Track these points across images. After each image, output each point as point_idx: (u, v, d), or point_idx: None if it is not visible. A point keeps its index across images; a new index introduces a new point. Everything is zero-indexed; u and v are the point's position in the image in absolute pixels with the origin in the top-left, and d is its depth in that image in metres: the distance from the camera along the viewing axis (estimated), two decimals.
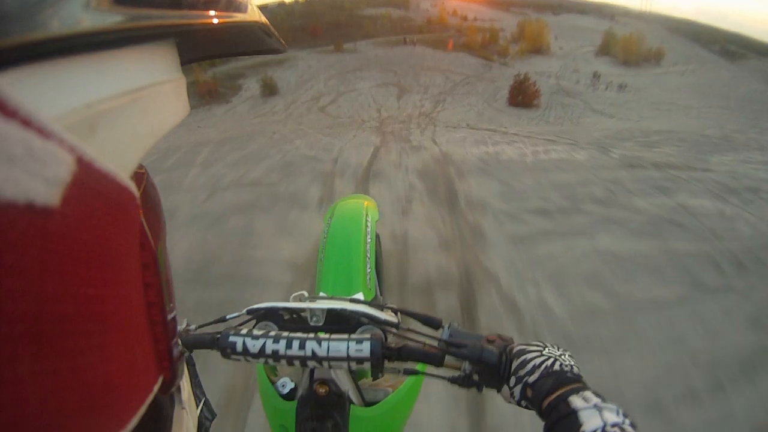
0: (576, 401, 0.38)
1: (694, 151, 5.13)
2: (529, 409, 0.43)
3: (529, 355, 0.46)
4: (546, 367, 0.44)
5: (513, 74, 12.30)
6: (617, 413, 0.37)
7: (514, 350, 0.47)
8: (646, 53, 16.84)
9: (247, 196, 2.99)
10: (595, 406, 0.37)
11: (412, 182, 3.39)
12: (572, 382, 0.42)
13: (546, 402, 0.41)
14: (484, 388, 0.48)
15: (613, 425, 0.35)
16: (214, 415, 0.52)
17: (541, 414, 0.41)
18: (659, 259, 2.30)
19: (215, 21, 0.22)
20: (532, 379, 0.43)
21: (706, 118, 9.48)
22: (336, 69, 13.47)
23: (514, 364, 0.45)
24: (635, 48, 16.52)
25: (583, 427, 0.35)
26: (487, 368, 0.46)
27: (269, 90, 11.51)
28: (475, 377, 0.47)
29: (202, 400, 0.51)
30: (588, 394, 0.39)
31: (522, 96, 10.35)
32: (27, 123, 0.10)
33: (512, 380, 0.44)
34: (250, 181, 3.32)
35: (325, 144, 4.74)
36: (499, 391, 0.46)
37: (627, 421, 0.36)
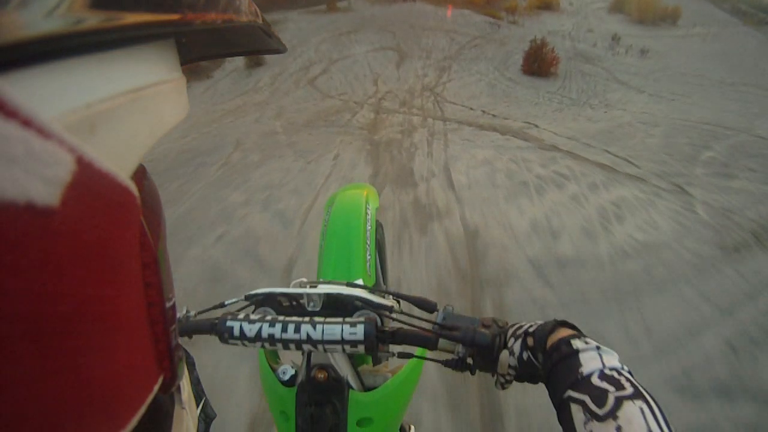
0: (578, 343, 0.42)
1: None
2: (530, 376, 0.46)
3: (523, 322, 0.50)
4: (543, 321, 0.48)
5: (523, 35, 11.76)
6: (617, 359, 0.40)
7: (507, 324, 0.51)
8: (662, 12, 16.24)
9: None
10: (597, 348, 0.41)
11: (424, 382, 2.00)
12: (572, 329, 0.46)
13: (549, 342, 0.44)
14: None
15: (611, 369, 0.38)
16: (214, 415, 0.55)
17: (544, 358, 0.44)
18: None
19: (215, 21, 0.22)
20: (532, 329, 0.47)
21: (748, 102, 8.73)
22: (329, 31, 12.91)
23: (510, 332, 0.49)
24: (651, 5, 15.94)
25: (582, 369, 0.38)
26: (481, 352, 0.49)
27: (254, 60, 11.21)
28: (469, 361, 0.50)
29: (202, 400, 0.54)
30: (589, 339, 0.43)
31: (538, 63, 9.99)
32: (27, 123, 0.11)
33: (510, 341, 0.48)
34: None
35: (289, 191, 4.01)
36: (493, 375, 0.49)
37: (625, 368, 0.39)
